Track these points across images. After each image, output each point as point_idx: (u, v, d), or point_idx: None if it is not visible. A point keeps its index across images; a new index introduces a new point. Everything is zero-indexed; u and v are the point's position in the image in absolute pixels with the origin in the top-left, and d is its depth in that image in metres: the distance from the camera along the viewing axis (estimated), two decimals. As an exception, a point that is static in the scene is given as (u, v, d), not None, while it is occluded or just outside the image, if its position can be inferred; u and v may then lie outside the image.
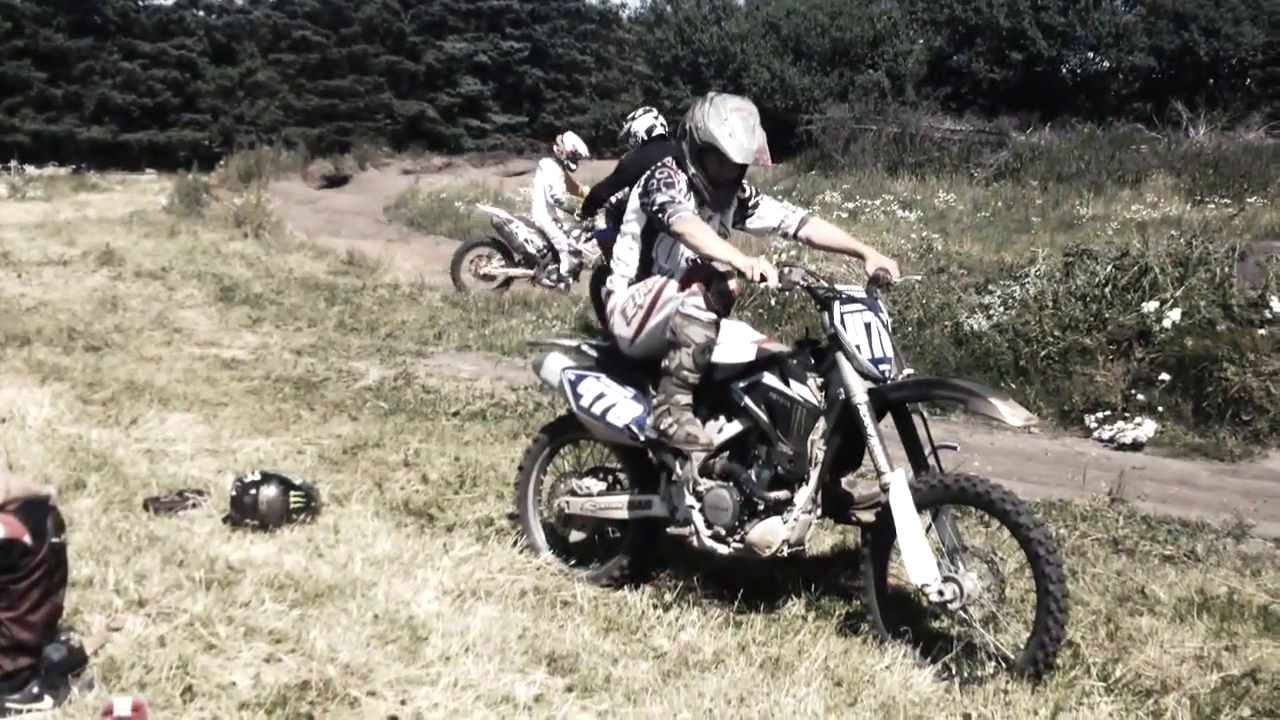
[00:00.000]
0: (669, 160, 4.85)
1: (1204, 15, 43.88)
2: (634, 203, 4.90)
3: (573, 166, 12.84)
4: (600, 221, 11.24)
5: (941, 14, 48.27)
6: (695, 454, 4.72)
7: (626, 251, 4.98)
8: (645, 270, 4.93)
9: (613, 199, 10.18)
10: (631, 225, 4.95)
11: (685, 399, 4.70)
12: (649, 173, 4.82)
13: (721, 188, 4.89)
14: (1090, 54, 45.46)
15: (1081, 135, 27.41)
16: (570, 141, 13.16)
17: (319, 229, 20.11)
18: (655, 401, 4.78)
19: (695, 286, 4.62)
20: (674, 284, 4.73)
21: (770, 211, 5.10)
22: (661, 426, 4.72)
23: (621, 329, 4.94)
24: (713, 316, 4.60)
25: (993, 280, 10.64)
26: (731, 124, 4.67)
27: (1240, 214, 14.73)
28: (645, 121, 10.70)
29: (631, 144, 10.78)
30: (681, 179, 4.76)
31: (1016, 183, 23.33)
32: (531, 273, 13.92)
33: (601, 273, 11.85)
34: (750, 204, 5.07)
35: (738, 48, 48.61)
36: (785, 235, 5.09)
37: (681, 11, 53.55)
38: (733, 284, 4.64)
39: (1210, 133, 26.17)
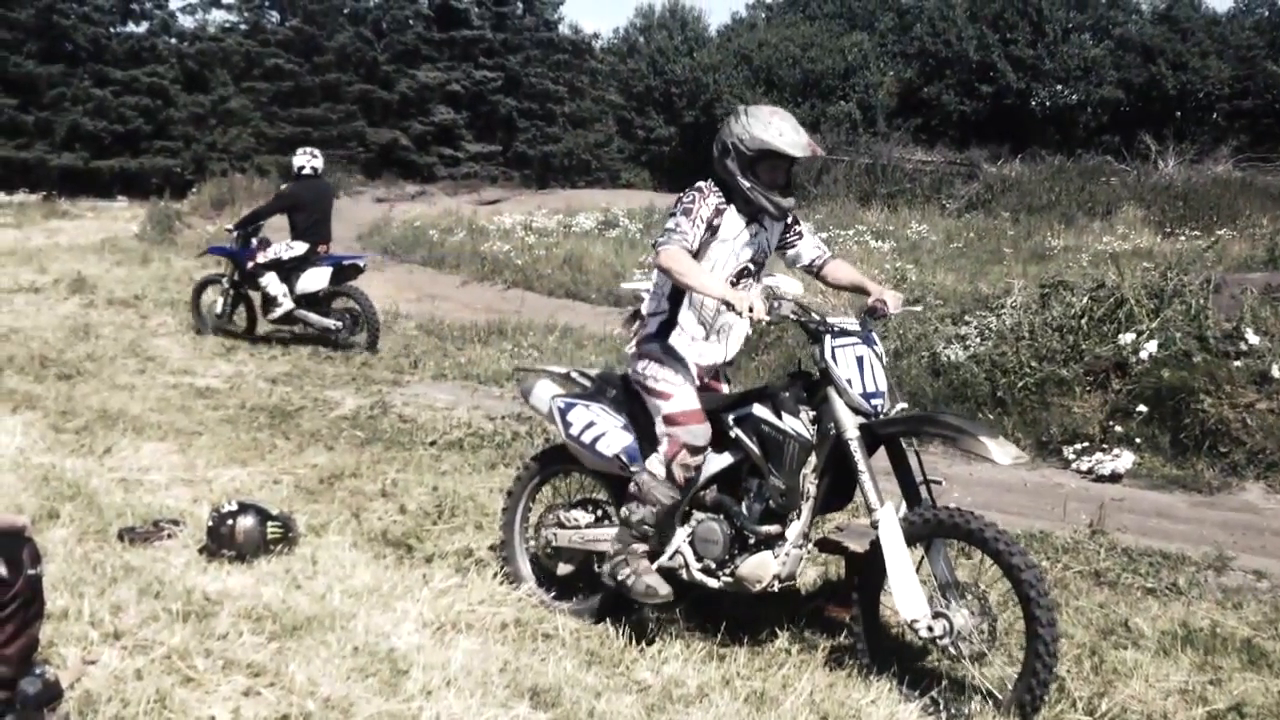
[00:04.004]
0: (705, 182, 4.68)
1: (1171, 49, 44.55)
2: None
3: None
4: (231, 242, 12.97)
5: (912, 46, 48.89)
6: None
7: (662, 282, 4.82)
8: (676, 299, 4.76)
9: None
10: None
11: (643, 548, 4.70)
12: (680, 195, 4.70)
13: (776, 192, 4.71)
14: (1059, 87, 46.04)
15: (1051, 167, 27.67)
16: None
17: (292, 257, 19.96)
18: (612, 550, 4.75)
19: (666, 448, 4.61)
20: (670, 403, 4.65)
21: (806, 246, 4.96)
22: (620, 577, 4.69)
23: (639, 361, 4.83)
24: (675, 494, 4.60)
25: (969, 311, 10.66)
26: (777, 125, 4.54)
27: (1213, 246, 14.82)
28: (300, 160, 12.79)
29: (293, 176, 12.89)
30: (707, 205, 4.60)
31: (988, 214, 23.47)
32: None
33: (206, 282, 13.37)
34: (794, 231, 4.94)
35: (710, 78, 48.97)
36: (808, 271, 5.03)
37: (654, 42, 54.00)
38: (695, 460, 4.60)
39: (1179, 165, 26.47)
